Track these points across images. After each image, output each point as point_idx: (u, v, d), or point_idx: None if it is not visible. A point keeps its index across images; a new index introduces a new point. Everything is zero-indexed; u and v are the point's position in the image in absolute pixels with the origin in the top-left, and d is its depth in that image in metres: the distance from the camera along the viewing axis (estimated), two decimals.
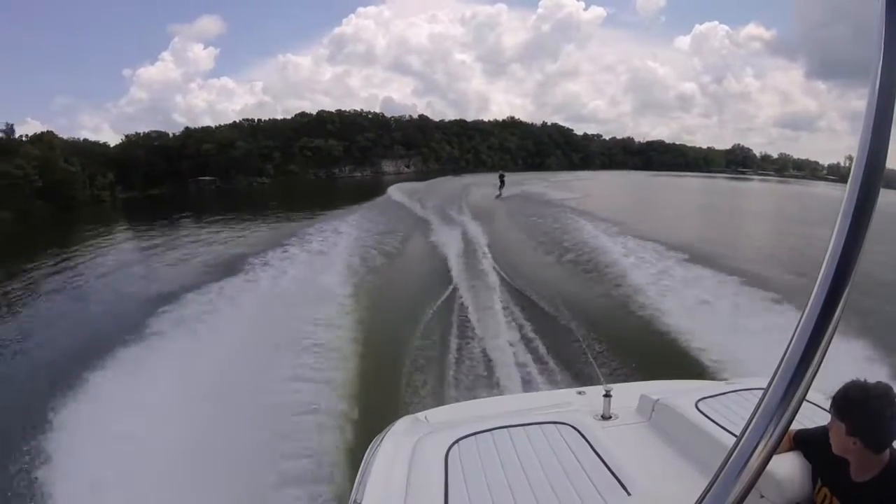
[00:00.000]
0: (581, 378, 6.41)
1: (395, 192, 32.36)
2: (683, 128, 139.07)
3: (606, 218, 19.57)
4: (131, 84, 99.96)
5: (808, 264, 12.46)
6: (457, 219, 20.96)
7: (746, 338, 7.38)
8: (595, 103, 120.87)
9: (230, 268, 13.79)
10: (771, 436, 0.53)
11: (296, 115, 70.39)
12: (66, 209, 40.66)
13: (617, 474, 2.11)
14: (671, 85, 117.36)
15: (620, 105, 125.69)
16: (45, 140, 46.23)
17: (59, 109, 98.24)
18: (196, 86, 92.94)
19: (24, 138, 47.14)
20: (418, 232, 18.86)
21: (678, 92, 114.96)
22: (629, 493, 2.01)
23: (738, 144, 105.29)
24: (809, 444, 1.95)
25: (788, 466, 1.92)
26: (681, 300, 9.85)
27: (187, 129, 63.49)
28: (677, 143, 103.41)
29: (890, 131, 0.57)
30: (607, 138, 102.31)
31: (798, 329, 0.54)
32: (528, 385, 6.95)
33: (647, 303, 9.90)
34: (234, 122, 67.76)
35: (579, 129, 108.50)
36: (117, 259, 19.23)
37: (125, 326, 9.50)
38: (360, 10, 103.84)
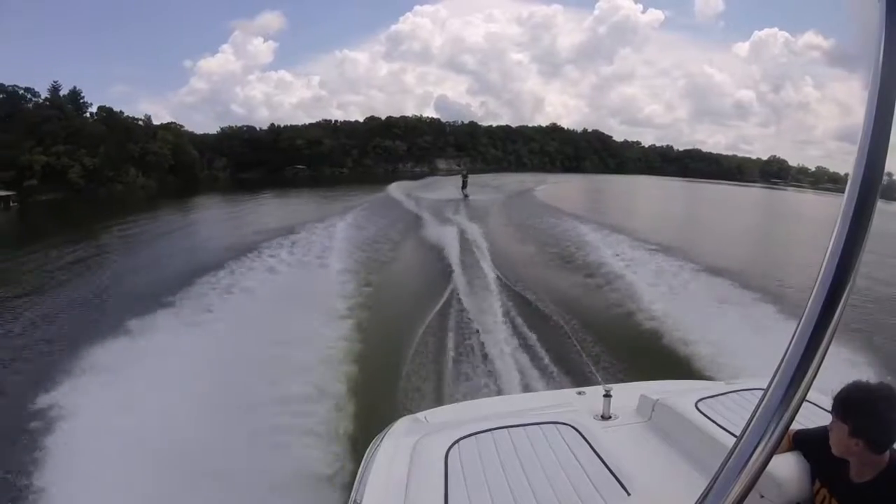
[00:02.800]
0: (579, 376, 6.47)
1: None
2: (741, 137, 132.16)
3: None
4: (191, 75, 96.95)
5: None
6: None
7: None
8: (651, 108, 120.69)
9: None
10: (771, 436, 0.53)
11: (366, 119, 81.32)
12: (192, 183, 50.95)
13: (617, 474, 2.11)
14: (728, 92, 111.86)
15: (677, 110, 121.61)
16: (172, 129, 56.99)
17: (117, 96, 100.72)
18: (254, 78, 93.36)
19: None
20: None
21: (735, 99, 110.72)
22: (629, 493, 2.01)
23: (774, 156, 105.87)
24: (809, 444, 1.94)
25: (788, 466, 1.93)
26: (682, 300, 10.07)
27: (273, 125, 74.39)
28: (714, 152, 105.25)
29: (890, 131, 0.57)
30: (647, 145, 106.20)
31: (798, 330, 0.55)
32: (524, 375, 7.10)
33: (642, 302, 9.98)
34: (319, 121, 78.18)
35: (636, 134, 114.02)
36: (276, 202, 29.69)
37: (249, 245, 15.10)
38: (417, 8, 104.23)
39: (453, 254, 14.26)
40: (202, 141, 67.85)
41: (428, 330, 8.76)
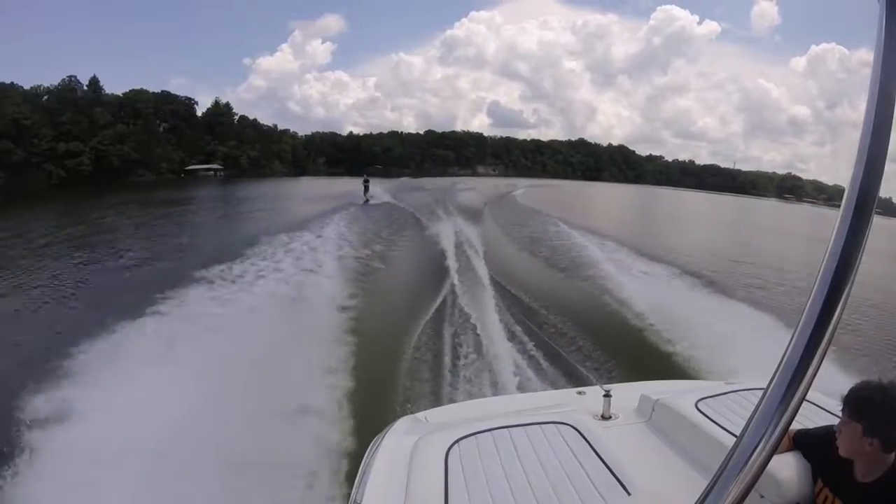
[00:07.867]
0: (578, 376, 6.58)
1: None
2: (796, 155, 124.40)
3: None
4: (250, 72, 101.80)
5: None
6: None
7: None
8: (705, 121, 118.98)
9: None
10: (771, 436, 0.53)
11: (425, 132, 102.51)
12: (304, 172, 76.24)
13: (617, 474, 2.12)
14: (784, 108, 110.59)
15: (731, 125, 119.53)
16: (289, 134, 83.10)
17: (177, 88, 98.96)
18: (312, 77, 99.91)
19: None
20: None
21: (790, 115, 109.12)
22: (629, 493, 2.02)
23: (790, 173, 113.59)
24: (809, 444, 1.94)
25: (788, 466, 1.94)
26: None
27: (351, 132, 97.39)
28: (734, 167, 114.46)
29: (890, 132, 0.57)
30: (670, 160, 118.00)
31: (798, 329, 0.55)
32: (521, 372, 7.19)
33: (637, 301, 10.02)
34: (389, 132, 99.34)
35: (688, 147, 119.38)
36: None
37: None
38: (473, 14, 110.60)
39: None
40: (297, 143, 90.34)
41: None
